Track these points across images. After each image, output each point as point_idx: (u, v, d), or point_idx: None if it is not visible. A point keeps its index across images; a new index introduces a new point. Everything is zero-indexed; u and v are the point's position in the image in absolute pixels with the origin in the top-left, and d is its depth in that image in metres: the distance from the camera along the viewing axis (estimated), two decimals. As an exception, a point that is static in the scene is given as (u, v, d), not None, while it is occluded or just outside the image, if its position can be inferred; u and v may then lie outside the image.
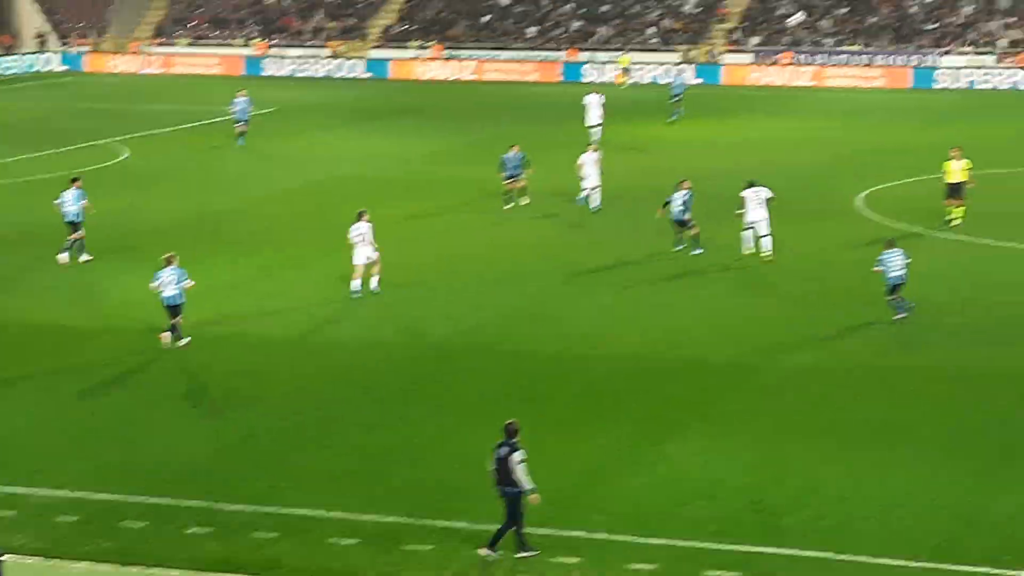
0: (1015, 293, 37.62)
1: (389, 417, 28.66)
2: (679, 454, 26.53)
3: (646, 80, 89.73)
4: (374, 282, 37.84)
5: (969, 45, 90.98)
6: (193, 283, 33.70)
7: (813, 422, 28.15)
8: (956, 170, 45.80)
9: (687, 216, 42.05)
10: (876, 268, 35.12)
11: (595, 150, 49.51)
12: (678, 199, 42.11)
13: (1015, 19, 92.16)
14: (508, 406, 26.88)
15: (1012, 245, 42.83)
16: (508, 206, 48.89)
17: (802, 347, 33.22)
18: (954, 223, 45.28)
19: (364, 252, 37.60)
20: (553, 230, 46.28)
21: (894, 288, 34.86)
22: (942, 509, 23.92)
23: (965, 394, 29.65)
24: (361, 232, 37.60)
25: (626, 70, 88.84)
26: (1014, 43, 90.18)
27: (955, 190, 45.69)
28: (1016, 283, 38.69)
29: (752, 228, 41.35)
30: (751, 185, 41.76)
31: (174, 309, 33.39)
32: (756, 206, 41.26)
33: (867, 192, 51.10)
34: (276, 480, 25.43)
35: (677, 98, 71.34)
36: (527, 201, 49.16)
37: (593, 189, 48.33)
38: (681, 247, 42.24)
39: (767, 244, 41.10)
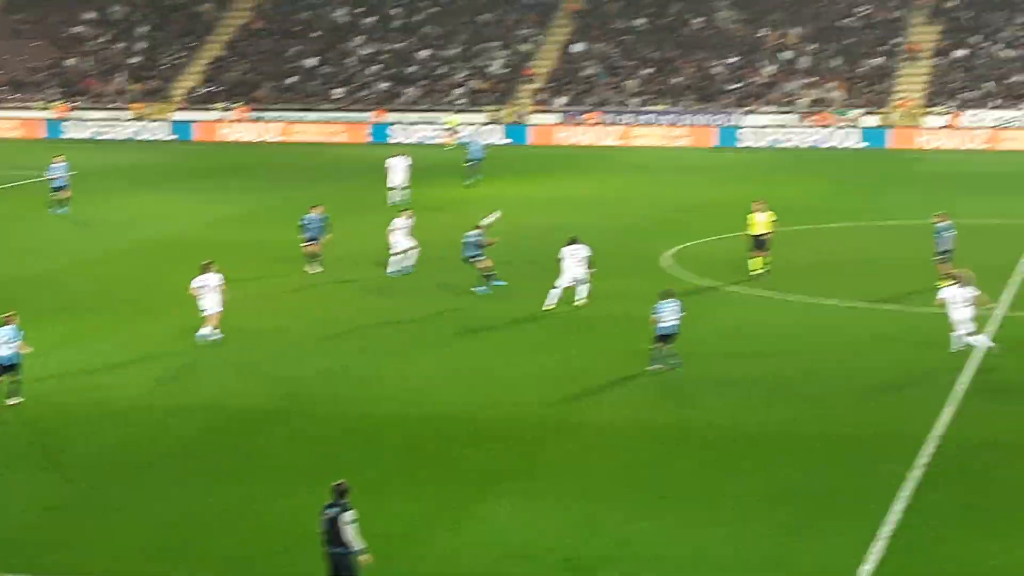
0: (810, 346, 37.98)
1: (203, 485, 27.84)
2: (494, 513, 26.18)
3: (456, 140, 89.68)
4: (208, 329, 38.36)
5: (771, 105, 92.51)
6: (31, 348, 33.21)
7: (625, 478, 27.97)
8: (760, 222, 46.66)
9: (477, 253, 43.39)
10: (652, 316, 35.28)
11: (408, 216, 48.77)
12: (472, 235, 43.53)
13: (815, 79, 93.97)
14: (324, 470, 26.39)
15: (812, 300, 43.27)
16: (312, 269, 48.06)
17: (612, 403, 33.12)
18: (759, 274, 46.02)
19: (212, 301, 38.06)
20: (360, 292, 45.70)
21: (663, 338, 35.09)
22: (752, 563, 23.83)
23: (771, 451, 29.68)
24: (207, 283, 38.29)
25: (453, 130, 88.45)
26: (815, 102, 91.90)
27: (760, 242, 46.48)
28: (812, 336, 39.09)
29: (562, 287, 41.47)
30: (572, 242, 42.23)
31: (9, 368, 32.70)
32: (574, 264, 41.63)
33: (675, 249, 51.36)
34: (85, 551, 24.41)
35: (474, 162, 70.62)
36: (319, 269, 48.18)
37: (405, 252, 47.73)
38: (484, 288, 43.34)
39: (583, 292, 41.97)
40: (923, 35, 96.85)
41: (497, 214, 47.68)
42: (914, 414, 31.60)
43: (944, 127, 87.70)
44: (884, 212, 59.99)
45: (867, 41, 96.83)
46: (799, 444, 29.97)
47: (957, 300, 36.31)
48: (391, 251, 47.67)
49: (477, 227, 44.55)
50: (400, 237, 47.72)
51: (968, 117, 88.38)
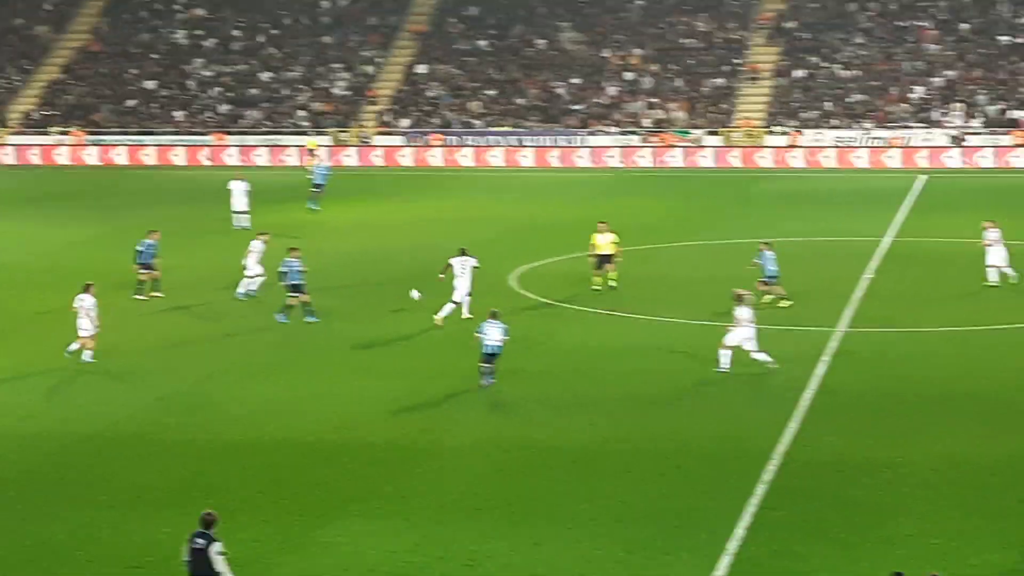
0: (654, 364, 38.18)
1: (49, 511, 27.19)
2: (343, 536, 25.87)
3: (296, 163, 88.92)
4: (87, 355, 38.44)
5: (615, 125, 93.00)
6: None
7: (475, 498, 27.82)
8: (603, 243, 47.36)
9: (301, 281, 43.29)
10: (476, 335, 35.85)
11: (265, 239, 47.98)
12: (294, 264, 43.45)
13: (657, 100, 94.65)
14: (173, 495, 26.16)
15: (655, 318, 43.43)
16: (146, 295, 47.11)
17: (460, 424, 32.92)
18: (601, 290, 46.81)
19: (84, 323, 38.37)
20: (201, 317, 45.00)
21: (488, 357, 35.57)
22: (604, 581, 23.68)
23: (618, 469, 29.63)
24: (83, 304, 38.41)
25: (312, 152, 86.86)
26: (658, 123, 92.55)
27: (603, 261, 47.17)
28: (654, 355, 39.27)
29: (457, 303, 42.30)
30: (462, 253, 43.20)
31: None
32: (461, 273, 42.61)
33: (521, 269, 51.25)
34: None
35: (319, 187, 69.49)
36: (159, 295, 47.28)
37: (256, 276, 47.03)
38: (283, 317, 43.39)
39: (446, 310, 42.37)
40: (763, 56, 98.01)
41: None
42: (759, 431, 31.74)
43: (785, 146, 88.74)
44: (725, 231, 60.44)
45: (708, 62, 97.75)
46: (645, 461, 29.94)
47: (741, 319, 37.00)
48: (245, 272, 46.98)
49: (292, 253, 43.95)
50: (253, 260, 47.04)
51: (809, 136, 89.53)
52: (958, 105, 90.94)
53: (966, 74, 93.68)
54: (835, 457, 30.04)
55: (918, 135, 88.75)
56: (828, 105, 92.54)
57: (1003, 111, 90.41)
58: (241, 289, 46.96)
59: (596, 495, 27.89)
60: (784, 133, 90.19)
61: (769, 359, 36.97)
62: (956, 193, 73.58)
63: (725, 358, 36.95)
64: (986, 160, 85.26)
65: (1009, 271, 47.46)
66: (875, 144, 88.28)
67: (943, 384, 35.82)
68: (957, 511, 26.74)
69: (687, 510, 27.04)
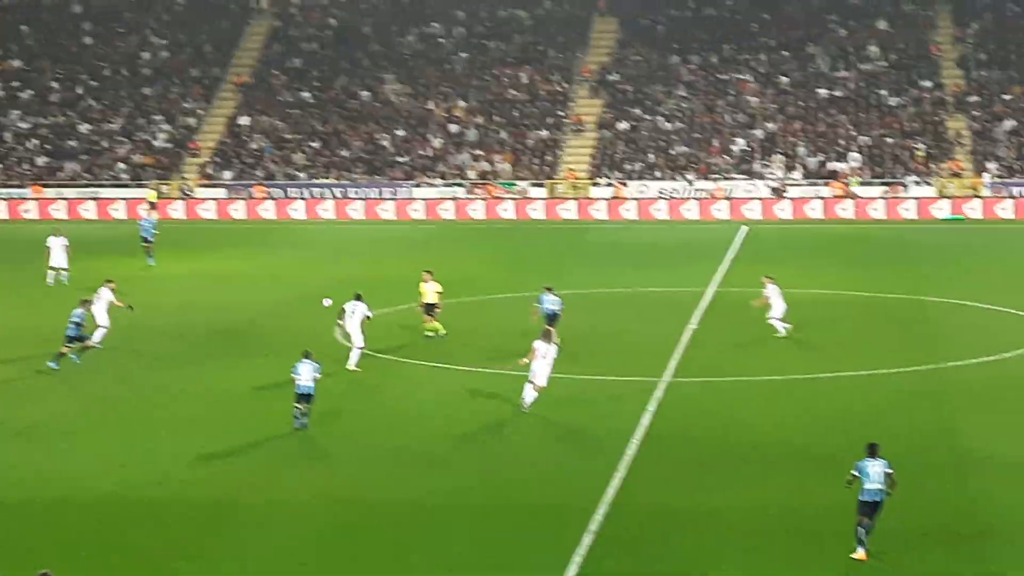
0: (477, 415, 37.93)
1: None
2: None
3: (120, 216, 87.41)
4: None
5: (440, 177, 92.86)
6: None
7: (302, 554, 27.26)
8: (429, 291, 48.09)
9: (78, 333, 43.34)
10: (292, 375, 36.06)
11: (112, 287, 46.94)
12: (76, 315, 43.51)
13: (481, 152, 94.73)
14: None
15: (477, 369, 43.19)
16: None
17: (285, 478, 32.25)
18: (434, 337, 47.50)
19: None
20: (21, 373, 43.68)
21: (301, 398, 35.89)
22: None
23: (444, 521, 29.20)
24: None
25: (152, 204, 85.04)
26: (482, 175, 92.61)
27: (430, 308, 48.10)
28: (477, 405, 39.04)
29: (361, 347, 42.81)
30: (357, 298, 43.70)
31: None
32: (351, 318, 43.11)
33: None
34: None
35: (148, 243, 67.99)
36: None
37: (101, 327, 46.02)
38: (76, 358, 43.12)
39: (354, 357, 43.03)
40: (587, 108, 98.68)
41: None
42: (585, 481, 31.54)
43: (610, 198, 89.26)
44: (552, 283, 60.33)
45: (533, 114, 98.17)
46: (473, 513, 29.54)
47: (547, 355, 37.86)
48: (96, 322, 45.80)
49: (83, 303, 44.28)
50: (100, 309, 45.92)
51: (633, 188, 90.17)
52: (779, 157, 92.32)
53: (786, 126, 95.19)
54: (660, 506, 29.94)
55: (740, 187, 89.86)
56: (652, 157, 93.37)
57: (823, 163, 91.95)
58: (96, 337, 45.82)
59: (427, 548, 27.43)
60: (609, 185, 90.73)
61: (527, 401, 37.72)
62: (777, 243, 74.50)
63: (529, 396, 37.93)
64: (811, 211, 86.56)
65: (779, 325, 47.60)
66: (698, 195, 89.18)
67: (765, 433, 35.96)
68: (779, 558, 26.76)
69: (516, 561, 26.70)
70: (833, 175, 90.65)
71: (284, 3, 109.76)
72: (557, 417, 37.56)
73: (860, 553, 26.47)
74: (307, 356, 36.22)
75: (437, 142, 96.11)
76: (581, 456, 33.98)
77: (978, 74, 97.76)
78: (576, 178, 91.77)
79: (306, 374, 35.78)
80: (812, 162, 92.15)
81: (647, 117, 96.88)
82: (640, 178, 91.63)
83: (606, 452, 33.84)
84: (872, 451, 27.52)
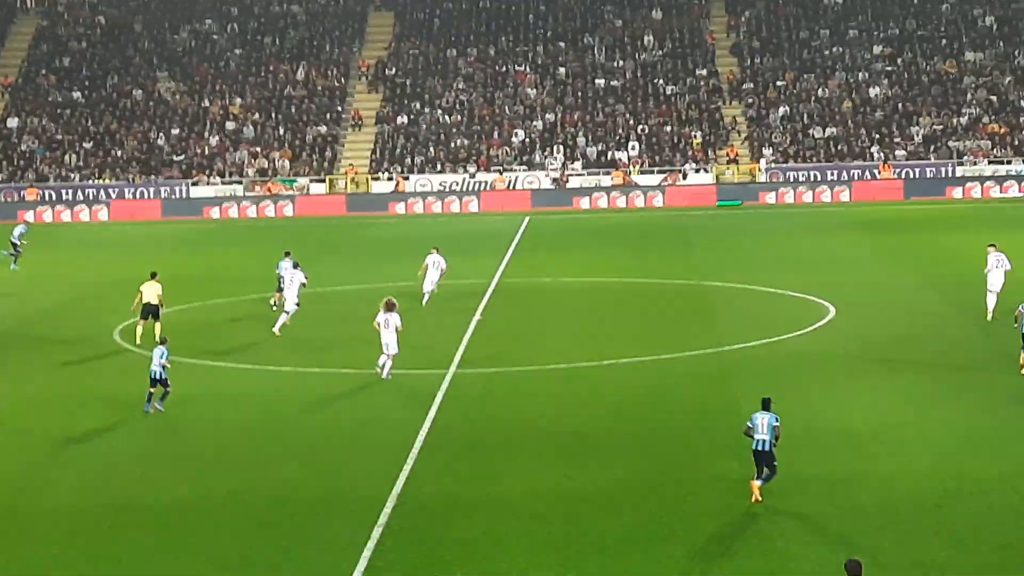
0: (254, 411, 37.33)
1: None
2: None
3: None
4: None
5: (218, 175, 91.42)
6: None
7: (64, 562, 26.03)
8: (148, 292, 45.34)
9: None
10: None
11: None
12: None
13: (259, 149, 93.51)
14: None
15: (251, 367, 42.51)
16: None
17: (54, 486, 31.01)
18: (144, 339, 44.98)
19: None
20: None
21: (153, 382, 36.27)
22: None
23: (221, 521, 28.51)
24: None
25: None
26: (261, 172, 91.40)
27: (148, 312, 45.24)
28: (255, 403, 38.39)
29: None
30: (295, 266, 46.64)
31: None
32: (289, 284, 45.95)
33: (125, 324, 49.34)
34: None
35: (16, 251, 65.68)
36: None
37: None
38: None
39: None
40: (366, 102, 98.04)
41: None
42: (373, 475, 31.04)
43: (391, 192, 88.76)
44: (330, 278, 59.75)
45: (311, 110, 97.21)
46: (259, 512, 28.77)
47: (387, 323, 39.60)
48: None
49: None
50: None
51: (413, 182, 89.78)
52: (559, 147, 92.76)
53: (565, 117, 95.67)
54: (449, 496, 29.57)
55: (521, 178, 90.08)
56: (432, 150, 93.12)
57: (603, 152, 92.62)
58: None
59: (205, 550, 26.63)
60: (390, 179, 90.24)
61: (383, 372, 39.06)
62: (559, 233, 74.75)
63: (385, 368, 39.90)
64: (592, 200, 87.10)
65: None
66: (480, 188, 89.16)
67: (550, 420, 35.81)
68: (564, 543, 26.61)
69: (302, 558, 26.07)
70: (613, 164, 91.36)
71: (51, 1, 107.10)
72: (343, 412, 36.99)
73: (756, 485, 28.68)
74: (163, 342, 36.87)
75: (214, 140, 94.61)
76: (368, 450, 33.43)
77: (752, 62, 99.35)
78: (356, 173, 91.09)
79: (155, 359, 36.17)
80: (592, 152, 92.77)
81: (426, 110, 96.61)
82: (421, 172, 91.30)
83: (393, 445, 33.35)
84: (765, 405, 29.14)
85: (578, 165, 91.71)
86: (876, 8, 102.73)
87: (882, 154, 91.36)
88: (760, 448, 28.77)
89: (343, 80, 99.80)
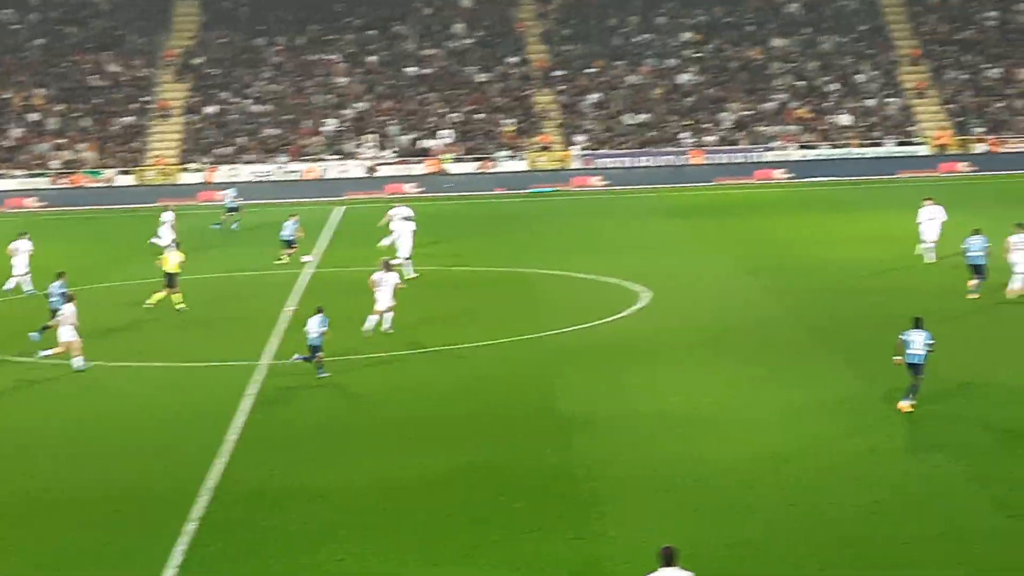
0: (75, 408, 36.40)
1: None
2: None
3: None
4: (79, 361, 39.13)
5: (21, 168, 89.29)
6: None
7: None
8: None
9: None
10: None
11: None
12: None
13: (65, 140, 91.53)
14: None
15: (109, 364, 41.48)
16: None
17: None
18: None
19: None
20: None
21: (311, 349, 38.38)
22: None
23: (39, 517, 27.55)
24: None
25: None
26: (67, 163, 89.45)
27: None
28: (70, 399, 37.59)
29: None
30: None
31: None
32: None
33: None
34: None
35: None
36: None
37: None
38: None
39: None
40: (173, 92, 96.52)
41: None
42: (188, 468, 30.51)
43: (201, 183, 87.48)
44: (136, 273, 58.63)
45: (117, 100, 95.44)
46: (74, 509, 28.03)
47: (382, 282, 43.04)
48: None
49: None
50: None
51: (224, 172, 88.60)
52: (370, 136, 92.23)
53: (377, 105, 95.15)
54: (265, 489, 29.14)
55: (333, 167, 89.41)
56: (242, 140, 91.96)
57: (415, 141, 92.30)
58: None
59: (17, 553, 25.88)
60: (199, 170, 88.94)
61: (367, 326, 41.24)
62: (373, 222, 74.18)
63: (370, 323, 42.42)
64: (405, 189, 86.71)
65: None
66: (291, 178, 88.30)
67: (370, 409, 35.58)
68: (383, 531, 26.38)
69: (118, 557, 25.44)
70: (426, 152, 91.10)
71: None
72: (156, 407, 36.26)
73: (905, 404, 32.36)
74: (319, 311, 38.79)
75: (17, 132, 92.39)
76: (182, 444, 32.80)
77: (562, 49, 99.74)
78: (164, 164, 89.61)
79: (313, 328, 38.28)
80: (404, 140, 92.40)
81: (235, 100, 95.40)
82: (232, 162, 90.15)
83: (208, 439, 32.78)
84: (917, 323, 33.13)
85: (390, 154, 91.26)
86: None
87: (693, 140, 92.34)
88: (914, 362, 32.55)
89: (149, 70, 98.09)
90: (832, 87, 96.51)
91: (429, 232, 65.95)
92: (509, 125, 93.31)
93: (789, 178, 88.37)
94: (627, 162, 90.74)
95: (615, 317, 45.80)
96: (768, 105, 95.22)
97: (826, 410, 33.70)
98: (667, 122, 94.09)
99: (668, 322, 44.82)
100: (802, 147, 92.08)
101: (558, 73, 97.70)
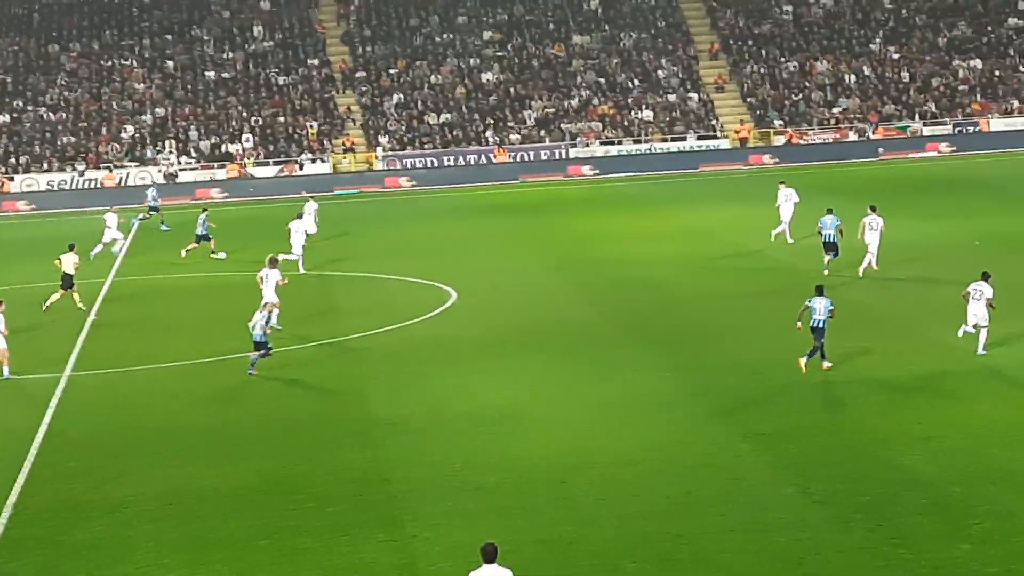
0: None
1: None
2: None
3: None
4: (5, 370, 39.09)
5: None
6: None
7: None
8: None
9: None
10: None
11: None
12: None
13: None
14: None
15: None
16: None
17: None
18: None
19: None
20: None
21: None
22: None
23: None
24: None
25: None
26: None
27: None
28: None
29: None
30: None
31: None
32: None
33: None
34: None
35: None
36: None
37: None
38: None
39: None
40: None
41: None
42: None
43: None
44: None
45: None
46: None
47: (267, 278, 43.01)
48: None
49: None
50: None
51: (19, 182, 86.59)
52: (171, 142, 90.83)
53: (176, 110, 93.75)
54: (67, 502, 28.47)
55: (133, 174, 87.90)
56: (38, 149, 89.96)
57: (216, 145, 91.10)
58: None
59: None
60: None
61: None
62: (176, 229, 72.93)
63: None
64: (209, 194, 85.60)
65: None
66: (89, 186, 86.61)
67: (171, 419, 34.89)
68: (190, 542, 25.93)
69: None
70: (228, 157, 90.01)
71: None
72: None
73: (803, 363, 35.06)
74: None
75: None
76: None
77: (364, 50, 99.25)
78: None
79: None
80: (205, 145, 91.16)
81: (30, 108, 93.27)
82: (27, 171, 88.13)
83: (7, 452, 32.02)
84: (819, 291, 35.72)
85: (191, 159, 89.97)
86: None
87: (497, 138, 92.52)
88: (818, 326, 35.03)
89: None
90: (634, 83, 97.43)
91: (235, 238, 65.11)
92: (312, 128, 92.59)
93: (595, 174, 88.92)
94: (433, 162, 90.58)
95: (424, 318, 45.59)
96: (571, 102, 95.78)
97: (634, 404, 33.88)
98: (471, 121, 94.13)
99: (477, 321, 44.73)
100: (605, 143, 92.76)
101: (360, 74, 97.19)
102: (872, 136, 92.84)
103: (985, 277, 36.57)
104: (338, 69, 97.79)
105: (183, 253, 59.80)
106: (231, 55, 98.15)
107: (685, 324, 42.27)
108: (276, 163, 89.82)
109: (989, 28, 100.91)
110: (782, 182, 58.25)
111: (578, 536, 25.27)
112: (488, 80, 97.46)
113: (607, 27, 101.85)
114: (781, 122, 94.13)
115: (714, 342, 39.97)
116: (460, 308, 47.16)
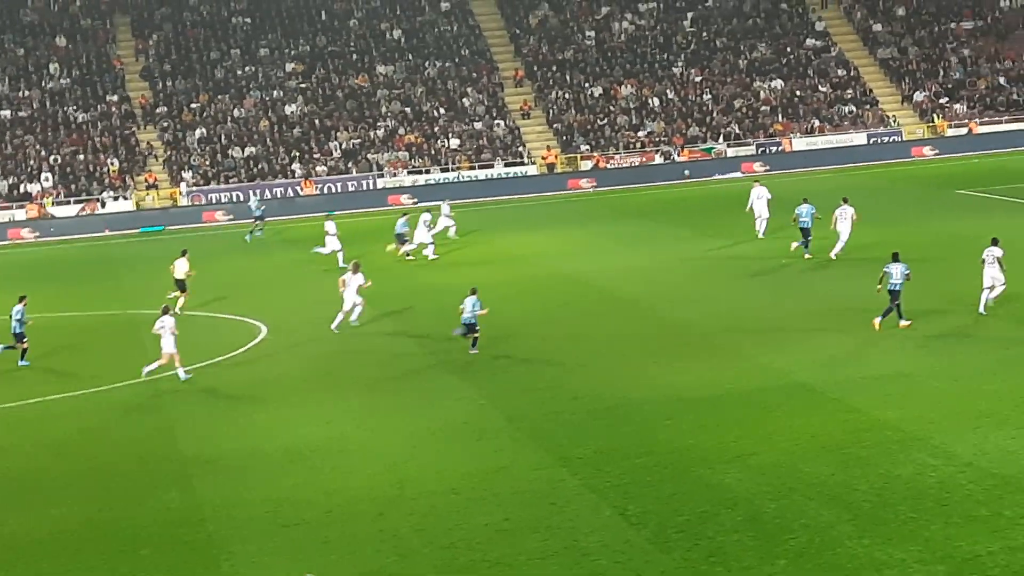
0: None
1: None
2: None
3: None
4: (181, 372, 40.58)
5: None
6: None
7: None
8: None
9: None
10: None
11: None
12: None
13: None
14: None
15: None
16: None
17: None
18: None
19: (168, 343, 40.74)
20: None
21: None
22: None
23: None
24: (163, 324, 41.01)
25: None
26: None
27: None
28: None
29: None
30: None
31: None
32: None
33: None
34: None
35: None
36: None
37: None
38: None
39: None
40: None
41: None
42: None
43: None
44: None
45: None
46: None
47: (349, 283, 46.25)
48: None
49: None
50: None
51: None
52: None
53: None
54: None
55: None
56: None
57: (14, 185, 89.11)
58: None
59: None
60: None
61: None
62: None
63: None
64: (7, 234, 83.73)
65: None
66: None
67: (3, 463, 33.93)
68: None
69: None
70: (27, 197, 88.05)
71: None
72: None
73: (876, 322, 39.70)
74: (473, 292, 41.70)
75: None
76: None
77: (164, 85, 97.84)
78: None
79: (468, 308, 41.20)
80: (3, 186, 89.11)
81: None
82: None
83: None
84: (895, 257, 40.05)
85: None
86: (286, 26, 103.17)
87: (304, 171, 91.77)
88: (895, 288, 39.51)
89: None
90: (439, 112, 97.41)
91: (37, 278, 63.58)
92: (113, 164, 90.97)
93: (413, 203, 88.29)
94: (236, 196, 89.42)
95: (235, 354, 44.92)
96: (376, 132, 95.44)
97: (451, 433, 33.70)
98: (275, 154, 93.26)
99: (290, 356, 44.19)
100: (413, 172, 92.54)
101: (161, 109, 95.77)
102: (678, 159, 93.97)
103: (995, 242, 41.55)
104: (138, 105, 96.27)
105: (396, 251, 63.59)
106: (27, 93, 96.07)
107: (504, 351, 42.20)
108: (77, 201, 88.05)
109: (788, 49, 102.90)
110: (756, 181, 63.66)
111: (399, 568, 25.01)
112: (292, 112, 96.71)
113: (411, 56, 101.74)
114: (587, 147, 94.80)
115: (535, 367, 39.96)
116: (272, 343, 46.54)
